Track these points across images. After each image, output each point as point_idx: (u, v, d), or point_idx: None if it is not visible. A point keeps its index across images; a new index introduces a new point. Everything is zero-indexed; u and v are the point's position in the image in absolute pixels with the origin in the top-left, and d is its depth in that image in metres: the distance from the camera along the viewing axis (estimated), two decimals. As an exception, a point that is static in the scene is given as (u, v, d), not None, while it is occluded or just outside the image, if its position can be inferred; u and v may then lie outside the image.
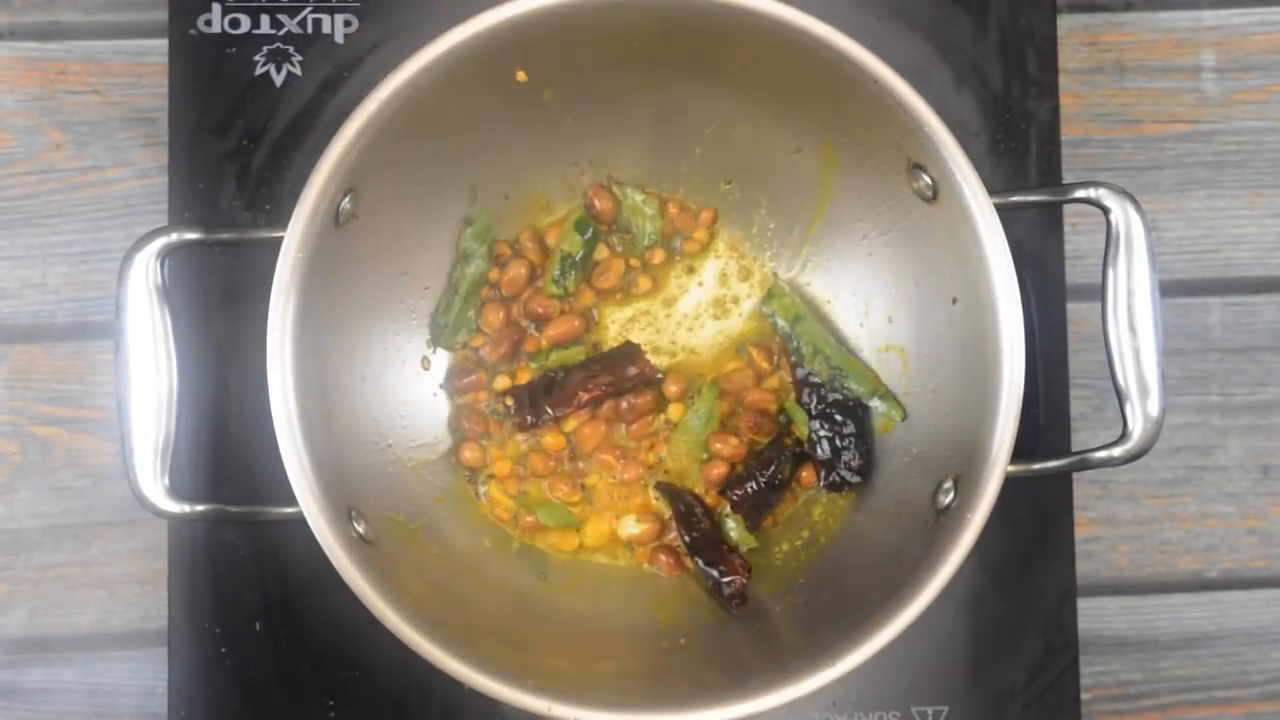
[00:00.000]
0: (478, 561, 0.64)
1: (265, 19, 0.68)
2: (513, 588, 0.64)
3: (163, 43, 0.68)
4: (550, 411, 0.65)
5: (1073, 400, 0.69)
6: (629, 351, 0.66)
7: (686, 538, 0.64)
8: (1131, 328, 0.57)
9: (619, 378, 0.65)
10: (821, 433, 0.64)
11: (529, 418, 0.65)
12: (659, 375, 0.66)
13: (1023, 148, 0.69)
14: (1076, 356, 0.69)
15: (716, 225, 0.67)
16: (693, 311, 0.67)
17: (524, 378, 0.66)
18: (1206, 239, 0.72)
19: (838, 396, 0.65)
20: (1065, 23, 0.71)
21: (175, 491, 0.56)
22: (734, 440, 0.66)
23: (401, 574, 0.58)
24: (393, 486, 0.62)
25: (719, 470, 0.65)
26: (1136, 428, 0.57)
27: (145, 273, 0.56)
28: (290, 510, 0.55)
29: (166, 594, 0.67)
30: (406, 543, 0.61)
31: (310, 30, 0.68)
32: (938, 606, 0.54)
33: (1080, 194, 0.57)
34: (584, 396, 0.65)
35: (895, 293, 0.64)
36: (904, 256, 0.62)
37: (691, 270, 0.67)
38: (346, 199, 0.57)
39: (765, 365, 0.66)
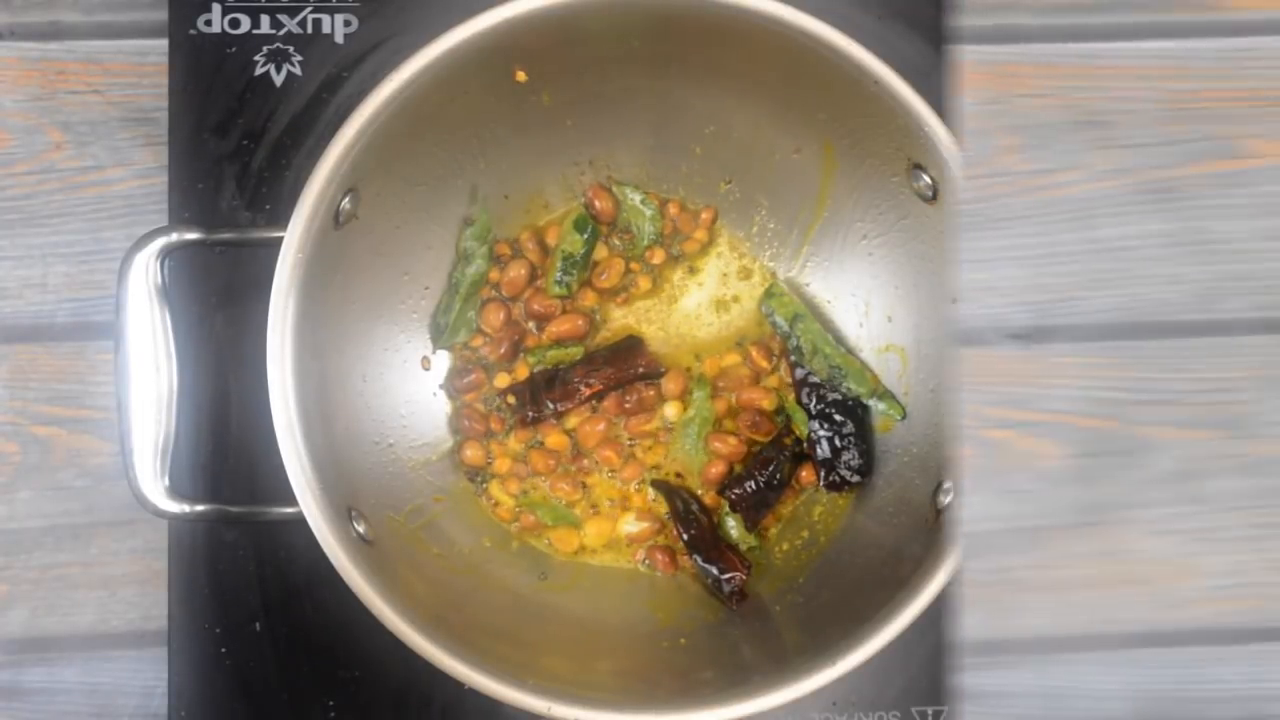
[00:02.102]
0: (478, 561, 0.64)
1: (265, 19, 0.68)
2: (513, 588, 0.64)
3: (163, 43, 0.68)
4: (552, 405, 0.65)
5: (1073, 400, 0.69)
6: (631, 344, 0.66)
7: (684, 536, 0.64)
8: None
9: (621, 370, 0.65)
10: (821, 432, 0.64)
11: (531, 413, 0.65)
12: (661, 369, 0.66)
13: (1023, 148, 0.69)
14: (1076, 356, 0.69)
15: (716, 225, 0.67)
16: (693, 311, 0.67)
17: (522, 373, 0.66)
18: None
19: (837, 396, 0.65)
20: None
21: (175, 491, 0.56)
22: (733, 440, 0.66)
23: (401, 574, 0.58)
24: (393, 486, 0.62)
25: (718, 469, 0.65)
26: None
27: (145, 273, 0.56)
28: (290, 510, 0.55)
29: (166, 594, 0.67)
30: (406, 543, 0.61)
31: (310, 30, 0.68)
32: (938, 607, 0.54)
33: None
34: (586, 391, 0.64)
35: (895, 293, 0.64)
36: (904, 256, 0.62)
37: (692, 270, 0.67)
38: (346, 199, 0.57)
39: (764, 364, 0.66)
